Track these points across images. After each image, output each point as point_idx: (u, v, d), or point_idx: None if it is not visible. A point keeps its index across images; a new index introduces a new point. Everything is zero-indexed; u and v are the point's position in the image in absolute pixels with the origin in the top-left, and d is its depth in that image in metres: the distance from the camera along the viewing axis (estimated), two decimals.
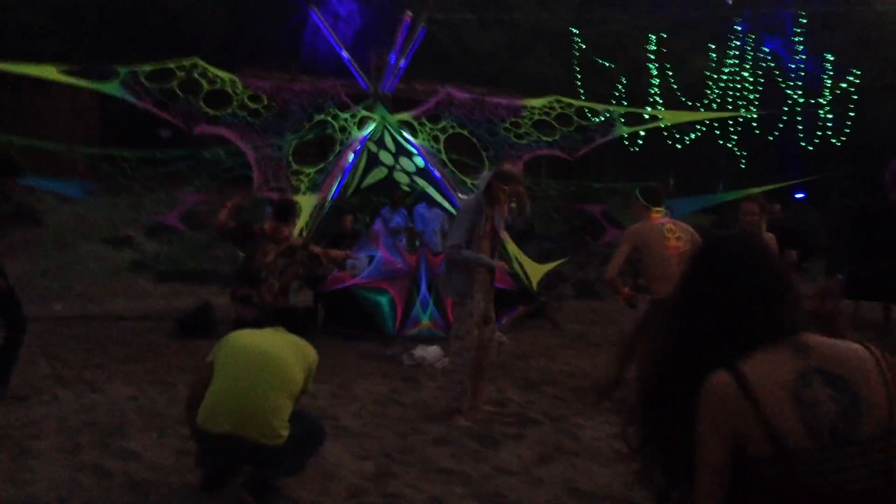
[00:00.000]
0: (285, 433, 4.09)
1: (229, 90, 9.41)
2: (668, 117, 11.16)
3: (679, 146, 17.71)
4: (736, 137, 18.84)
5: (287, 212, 7.16)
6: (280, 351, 4.21)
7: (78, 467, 4.59)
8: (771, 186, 11.92)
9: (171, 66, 9.08)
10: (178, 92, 8.98)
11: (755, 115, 13.61)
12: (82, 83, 9.26)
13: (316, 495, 4.40)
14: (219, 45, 18.11)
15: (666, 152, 17.07)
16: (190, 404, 4.34)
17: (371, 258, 9.48)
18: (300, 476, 4.53)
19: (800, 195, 18.17)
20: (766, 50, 20.01)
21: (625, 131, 10.66)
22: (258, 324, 4.78)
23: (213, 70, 9.38)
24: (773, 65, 19.75)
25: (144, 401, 6.08)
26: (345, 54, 10.72)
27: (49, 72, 9.20)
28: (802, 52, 19.68)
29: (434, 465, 5.06)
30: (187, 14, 18.51)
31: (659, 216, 5.68)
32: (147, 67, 8.89)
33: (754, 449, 1.68)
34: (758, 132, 18.83)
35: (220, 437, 4.07)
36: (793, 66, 19.63)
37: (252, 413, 4.04)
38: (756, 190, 9.92)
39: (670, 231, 5.54)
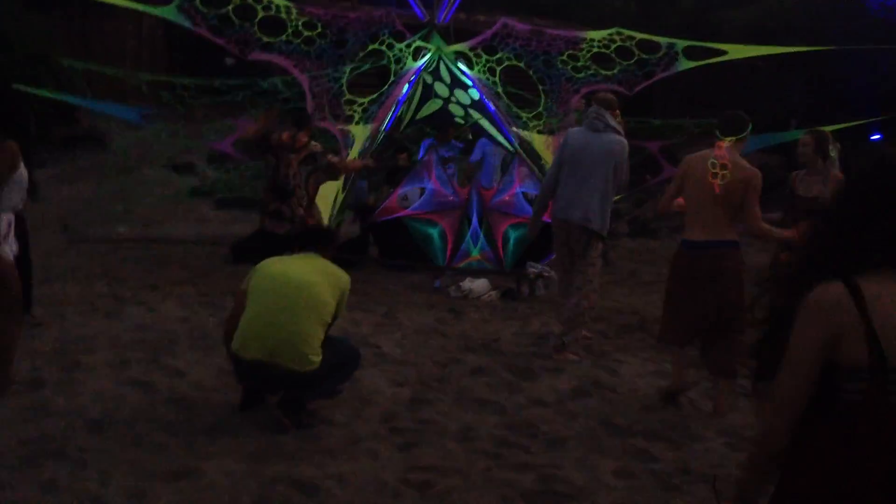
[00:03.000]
0: (317, 359, 4.18)
1: (284, 17, 9.32)
2: (734, 51, 10.64)
3: (749, 82, 17.02)
4: (811, 73, 17.98)
5: (304, 119, 7.52)
6: (310, 277, 4.26)
7: (125, 382, 4.80)
8: (844, 125, 11.38)
9: None
10: (232, 17, 8.94)
11: (831, 50, 12.90)
12: (139, 6, 9.29)
13: (350, 418, 4.52)
14: None
15: (736, 88, 16.41)
16: (227, 329, 4.47)
17: (422, 190, 9.47)
18: (336, 399, 4.65)
19: (876, 136, 17.38)
20: None
21: (688, 65, 10.25)
22: (289, 240, 4.89)
23: None
24: None
25: (195, 321, 6.27)
26: None
27: None
28: None
29: (469, 394, 5.13)
30: None
31: (724, 147, 4.88)
32: None
33: (848, 360, 1.79)
34: (835, 68, 17.96)
35: (253, 364, 4.19)
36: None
37: (283, 341, 4.13)
38: (830, 128, 9.47)
39: (721, 167, 4.77)
